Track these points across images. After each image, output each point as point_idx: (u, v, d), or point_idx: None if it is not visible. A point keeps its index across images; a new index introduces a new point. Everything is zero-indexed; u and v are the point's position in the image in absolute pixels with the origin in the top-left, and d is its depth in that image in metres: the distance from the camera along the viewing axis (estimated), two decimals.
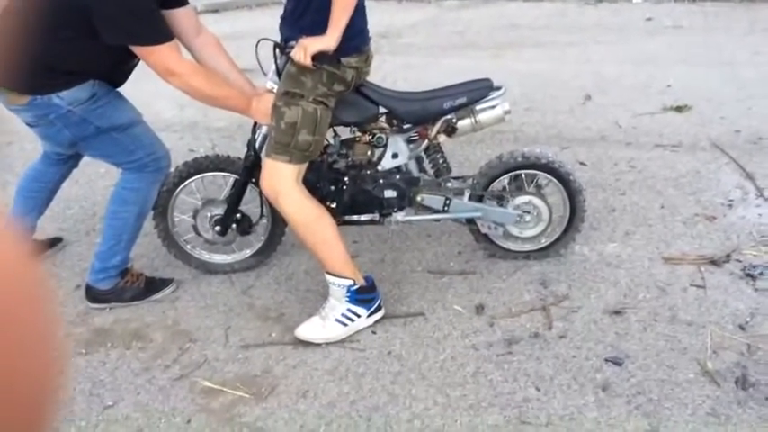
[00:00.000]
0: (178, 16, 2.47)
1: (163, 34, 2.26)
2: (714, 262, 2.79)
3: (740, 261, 2.79)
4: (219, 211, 2.76)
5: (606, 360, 2.26)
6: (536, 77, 5.64)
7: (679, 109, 4.65)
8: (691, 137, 4.17)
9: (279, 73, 2.40)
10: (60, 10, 2.20)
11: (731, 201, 3.31)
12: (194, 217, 2.81)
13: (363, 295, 2.44)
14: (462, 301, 2.64)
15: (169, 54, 2.27)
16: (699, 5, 8.63)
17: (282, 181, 2.30)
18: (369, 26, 2.38)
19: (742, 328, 2.38)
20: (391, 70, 6.00)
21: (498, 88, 2.61)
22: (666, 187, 3.50)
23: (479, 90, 2.58)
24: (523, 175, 2.74)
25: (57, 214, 3.43)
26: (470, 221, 2.79)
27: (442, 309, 2.59)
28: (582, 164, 3.84)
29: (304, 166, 2.37)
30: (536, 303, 2.60)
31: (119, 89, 2.54)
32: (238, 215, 2.76)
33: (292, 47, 2.20)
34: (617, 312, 2.50)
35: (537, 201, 2.74)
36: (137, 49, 2.27)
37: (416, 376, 2.24)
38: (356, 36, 2.26)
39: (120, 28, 2.21)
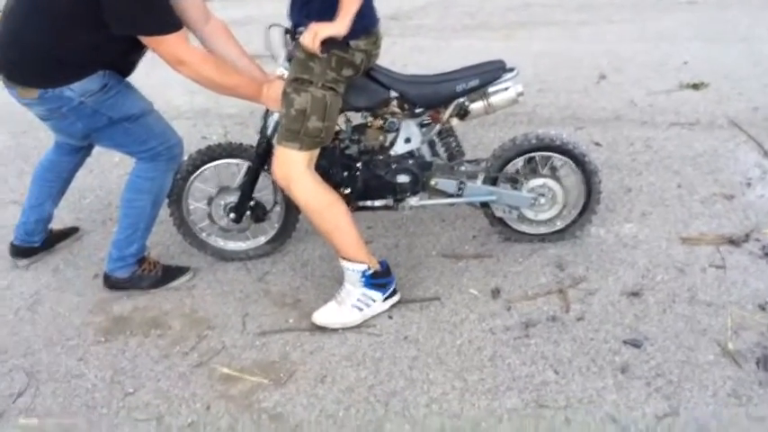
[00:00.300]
0: (186, 4, 2.45)
1: (171, 23, 2.25)
2: (733, 242, 2.75)
3: (759, 240, 2.75)
4: (233, 198, 2.76)
5: (625, 342, 2.25)
6: (549, 58, 5.57)
7: (695, 86, 4.58)
8: (708, 114, 4.11)
9: (289, 59, 2.39)
10: (67, 2, 2.19)
11: (750, 179, 3.27)
12: (209, 204, 2.82)
13: (378, 280, 2.43)
14: (478, 284, 2.63)
15: (178, 43, 2.26)
16: None
17: (294, 168, 2.29)
18: (378, 8, 2.36)
19: (762, 308, 2.36)
20: (401, 53, 5.95)
21: (511, 70, 2.58)
22: (684, 166, 3.46)
23: (492, 72, 2.56)
24: (537, 158, 2.71)
25: (72, 204, 3.45)
26: (485, 205, 2.78)
27: (458, 293, 2.59)
28: (597, 144, 3.80)
29: (315, 153, 2.36)
30: (553, 286, 2.58)
31: (128, 79, 2.54)
32: (252, 202, 2.76)
33: (302, 32, 2.17)
34: (635, 294, 2.49)
35: (552, 183, 2.71)
36: (145, 39, 2.26)
37: (434, 361, 2.24)
38: (364, 17, 2.21)
39: (128, 18, 2.20)
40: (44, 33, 2.25)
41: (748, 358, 2.13)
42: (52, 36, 2.24)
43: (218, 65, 2.38)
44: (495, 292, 2.57)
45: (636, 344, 2.23)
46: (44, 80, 2.30)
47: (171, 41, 2.24)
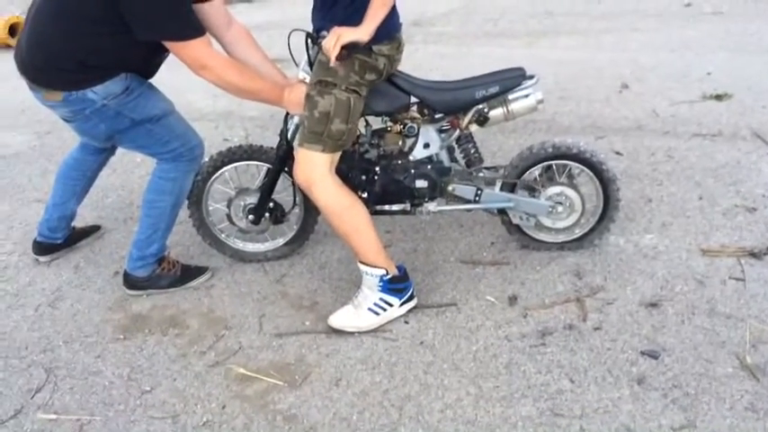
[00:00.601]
0: (209, 10, 2.49)
1: (195, 28, 2.27)
2: (754, 254, 2.72)
3: None
4: (253, 200, 2.78)
5: (642, 353, 2.23)
6: (571, 66, 5.56)
7: (719, 97, 4.55)
8: (731, 126, 4.07)
9: (311, 63, 2.41)
10: (93, 6, 2.22)
11: None
12: (228, 206, 2.84)
13: (396, 285, 2.44)
14: (495, 291, 2.62)
15: (201, 48, 2.28)
16: None
17: (316, 170, 2.31)
18: (401, 14, 2.37)
19: None
20: (424, 59, 5.97)
21: (531, 77, 2.58)
22: (705, 177, 3.43)
23: (512, 79, 2.56)
24: (555, 166, 2.71)
25: (95, 202, 3.50)
26: (502, 212, 2.77)
27: (475, 299, 2.58)
28: (618, 153, 3.78)
29: (337, 156, 2.37)
30: (570, 295, 2.57)
31: (152, 81, 2.57)
32: (271, 204, 2.79)
33: (324, 37, 2.19)
34: (653, 305, 2.47)
35: (569, 191, 2.71)
36: (169, 44, 2.28)
37: (449, 366, 2.24)
38: (388, 22, 2.22)
39: (151, 24, 2.22)
40: (69, 38, 2.28)
41: (767, 372, 2.10)
42: (77, 40, 2.28)
43: (241, 70, 2.40)
44: (512, 300, 2.56)
45: (653, 355, 2.21)
46: (68, 83, 2.33)
47: (194, 46, 2.27)
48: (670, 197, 3.26)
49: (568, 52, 6.02)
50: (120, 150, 2.94)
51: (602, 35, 6.58)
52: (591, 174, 2.69)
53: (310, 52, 2.43)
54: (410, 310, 2.49)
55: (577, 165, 2.69)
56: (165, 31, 2.25)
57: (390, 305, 2.44)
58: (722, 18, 7.02)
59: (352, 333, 2.42)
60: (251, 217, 2.79)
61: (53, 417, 2.13)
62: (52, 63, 2.32)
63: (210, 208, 2.86)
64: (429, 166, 2.66)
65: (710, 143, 3.85)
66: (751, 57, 5.50)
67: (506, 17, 7.79)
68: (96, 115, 2.40)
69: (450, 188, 2.68)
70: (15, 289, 2.84)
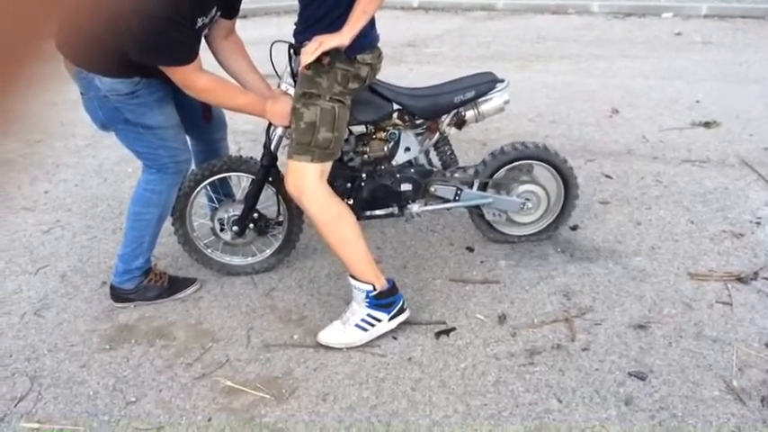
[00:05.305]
0: (221, 21, 2.52)
1: (186, 57, 2.29)
2: (741, 279, 2.75)
3: (767, 279, 2.75)
4: (237, 211, 2.78)
5: (630, 374, 2.23)
6: (562, 90, 5.61)
7: (707, 125, 4.60)
8: (719, 153, 4.12)
9: (293, 74, 2.44)
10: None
11: (759, 218, 3.26)
12: (212, 219, 2.83)
13: (383, 300, 2.43)
14: (485, 310, 2.63)
15: (189, 73, 2.32)
16: (728, 22, 8.54)
17: (305, 180, 2.32)
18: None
19: None
20: (416, 79, 6.01)
21: (502, 80, 2.76)
22: (694, 203, 3.46)
23: (487, 84, 2.73)
24: (520, 166, 2.90)
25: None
26: (475, 209, 2.95)
27: (465, 317, 2.58)
28: (608, 177, 3.81)
29: (328, 165, 2.38)
30: (559, 315, 2.58)
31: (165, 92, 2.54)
32: (255, 215, 2.78)
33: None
34: (641, 326, 2.48)
35: (535, 188, 2.90)
36: (161, 66, 2.31)
37: (437, 384, 2.23)
38: (369, 33, 2.32)
39: (142, 46, 2.23)
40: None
41: (753, 396, 2.12)
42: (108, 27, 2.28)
43: (225, 89, 2.42)
44: (502, 318, 2.56)
45: (641, 376, 2.22)
46: (84, 61, 2.34)
47: (183, 71, 2.31)
48: (659, 221, 3.28)
49: (560, 76, 6.09)
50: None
51: (593, 61, 6.66)
52: (552, 170, 2.91)
53: (293, 64, 2.46)
54: (400, 327, 2.48)
55: (540, 163, 2.90)
56: (157, 57, 2.28)
57: (379, 320, 2.43)
58: (711, 48, 7.13)
59: (340, 348, 2.41)
60: (235, 228, 2.78)
61: (36, 426, 2.10)
62: (83, 41, 2.33)
63: (195, 223, 2.85)
64: (412, 170, 2.76)
65: (699, 169, 3.89)
66: (739, 86, 5.58)
67: (499, 40, 7.87)
68: (98, 101, 2.42)
69: (432, 189, 2.81)
70: (1, 296, 2.81)
